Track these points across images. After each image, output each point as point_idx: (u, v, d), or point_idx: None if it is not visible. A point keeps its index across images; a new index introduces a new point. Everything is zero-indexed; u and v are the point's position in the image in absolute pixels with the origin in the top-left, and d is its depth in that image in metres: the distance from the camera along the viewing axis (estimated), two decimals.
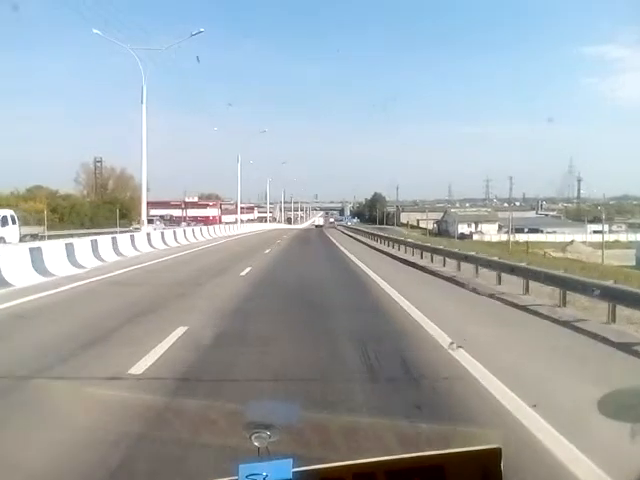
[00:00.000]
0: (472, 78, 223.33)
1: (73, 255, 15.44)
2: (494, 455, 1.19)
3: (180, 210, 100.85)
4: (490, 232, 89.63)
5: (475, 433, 3.50)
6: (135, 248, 21.55)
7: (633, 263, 44.61)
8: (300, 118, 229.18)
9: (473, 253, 13.46)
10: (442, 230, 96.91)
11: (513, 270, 10.64)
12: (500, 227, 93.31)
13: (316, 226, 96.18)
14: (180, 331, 6.85)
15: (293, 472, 1.08)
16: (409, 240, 21.79)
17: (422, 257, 18.75)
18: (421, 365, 5.47)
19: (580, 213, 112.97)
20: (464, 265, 14.44)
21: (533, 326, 7.96)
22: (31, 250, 13.19)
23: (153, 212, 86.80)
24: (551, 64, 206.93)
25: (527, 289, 10.40)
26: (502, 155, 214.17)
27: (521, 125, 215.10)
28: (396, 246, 24.68)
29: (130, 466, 3.20)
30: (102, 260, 17.34)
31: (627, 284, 9.01)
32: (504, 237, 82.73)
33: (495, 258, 12.10)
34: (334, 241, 35.03)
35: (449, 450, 1.19)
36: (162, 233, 26.82)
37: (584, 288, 8.41)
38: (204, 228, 39.65)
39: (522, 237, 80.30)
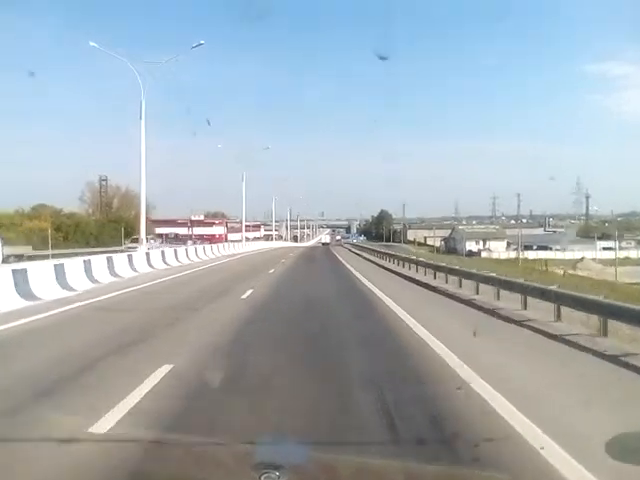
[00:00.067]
0: (477, 95, 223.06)
1: (63, 277, 14.47)
2: None
3: (186, 228, 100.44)
4: (498, 249, 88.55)
5: (485, 476, 3.35)
6: (133, 268, 20.57)
7: None
8: (305, 136, 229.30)
9: (494, 274, 12.37)
10: (450, 247, 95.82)
11: (544, 294, 9.53)
12: (508, 244, 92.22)
13: (323, 244, 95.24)
14: (163, 371, 5.81)
15: None
16: (421, 259, 20.69)
17: (435, 277, 17.66)
18: (454, 421, 4.38)
19: (588, 230, 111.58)
20: (482, 287, 13.39)
21: (579, 363, 6.84)
22: (14, 272, 12.22)
23: (159, 230, 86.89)
24: (553, 81, 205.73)
25: (559, 315, 9.29)
26: (508, 172, 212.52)
27: (526, 142, 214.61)
28: (406, 265, 23.60)
29: None
30: (96, 282, 16.36)
31: None
32: (513, 254, 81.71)
33: (520, 280, 11.00)
34: (342, 260, 33.86)
35: None
36: (162, 252, 25.84)
37: (630, 317, 7.30)
38: (207, 246, 38.74)
39: (531, 254, 79.25)
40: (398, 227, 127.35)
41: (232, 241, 63.54)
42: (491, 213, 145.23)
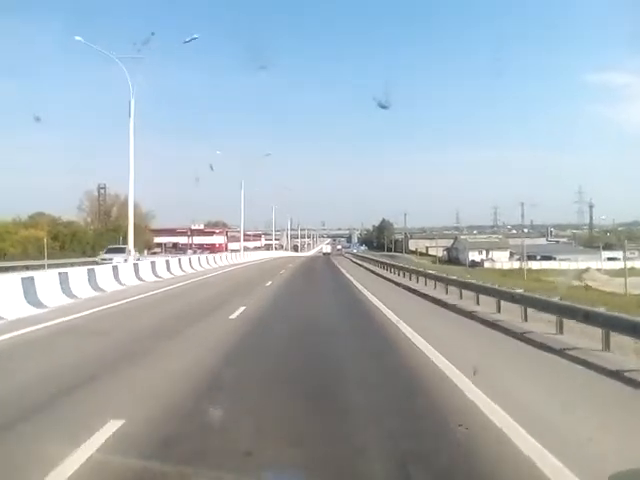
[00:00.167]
0: (477, 104, 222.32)
1: (33, 292, 12.92)
2: None
3: (186, 237, 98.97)
4: (501, 259, 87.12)
5: None
6: (118, 281, 19.00)
7: None
8: (306, 145, 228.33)
9: (520, 291, 10.80)
10: (452, 257, 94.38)
11: (587, 317, 7.95)
12: (511, 254, 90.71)
13: (324, 254, 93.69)
14: (108, 430, 4.26)
15: None
16: (431, 272, 19.08)
17: (447, 292, 16.07)
18: None
19: (592, 240, 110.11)
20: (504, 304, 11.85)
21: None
22: None
23: (158, 240, 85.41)
24: (555, 91, 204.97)
25: (608, 345, 7.72)
26: (509, 182, 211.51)
27: (527, 151, 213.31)
28: (413, 277, 21.98)
29: None
30: (73, 297, 14.81)
31: None
32: (516, 264, 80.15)
33: (556, 299, 9.42)
34: (344, 272, 31.99)
35: None
36: (153, 263, 24.25)
37: None
38: (203, 257, 37.16)
39: (535, 264, 77.68)
40: (399, 237, 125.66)
41: (232, 250, 62.10)
42: (492, 223, 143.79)
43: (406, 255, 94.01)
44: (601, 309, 7.96)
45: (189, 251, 69.39)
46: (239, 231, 77.97)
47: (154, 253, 69.65)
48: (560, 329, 9.21)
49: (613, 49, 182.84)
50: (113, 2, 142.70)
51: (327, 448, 4.08)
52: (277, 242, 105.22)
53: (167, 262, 26.56)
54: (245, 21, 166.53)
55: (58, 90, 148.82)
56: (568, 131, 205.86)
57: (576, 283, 53.05)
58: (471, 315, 12.02)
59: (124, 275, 19.82)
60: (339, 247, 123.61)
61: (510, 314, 11.30)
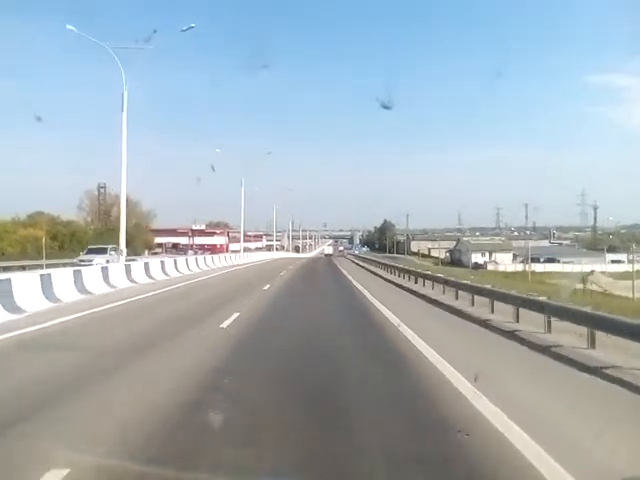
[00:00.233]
0: (478, 106, 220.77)
1: (10, 295, 11.91)
2: None
3: (187, 238, 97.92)
4: (505, 262, 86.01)
5: None
6: (108, 283, 17.96)
7: None
8: (307, 146, 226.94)
9: (544, 299, 9.73)
10: (455, 259, 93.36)
11: (633, 335, 6.89)
12: (515, 256, 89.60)
13: (325, 255, 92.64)
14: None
15: None
16: (439, 275, 17.98)
17: (457, 298, 15.01)
18: None
19: (595, 242, 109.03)
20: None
21: None
22: None
23: (159, 240, 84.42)
24: (556, 92, 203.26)
25: None
26: (511, 184, 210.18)
27: (528, 153, 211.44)
28: (419, 280, 20.89)
29: None
30: (56, 300, 13.80)
31: None
32: (519, 267, 79.07)
33: (587, 309, 8.36)
34: (346, 274, 30.86)
35: None
36: (146, 264, 23.18)
37: None
38: (200, 258, 36.08)
39: (538, 267, 76.60)
40: (401, 238, 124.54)
41: (233, 251, 61.04)
42: (494, 224, 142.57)
43: (408, 257, 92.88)
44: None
45: (190, 252, 68.33)
46: (240, 231, 77.03)
47: (155, 253, 68.68)
48: (592, 343, 8.16)
49: (614, 51, 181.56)
50: (113, 2, 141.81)
51: None
52: (278, 243, 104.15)
53: (162, 263, 25.48)
54: (246, 21, 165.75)
55: (58, 90, 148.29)
56: (570, 132, 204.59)
57: (581, 286, 52.13)
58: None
59: (115, 276, 18.78)
60: (341, 248, 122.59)
61: (527, 323, 10.27)
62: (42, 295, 13.38)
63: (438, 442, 4.30)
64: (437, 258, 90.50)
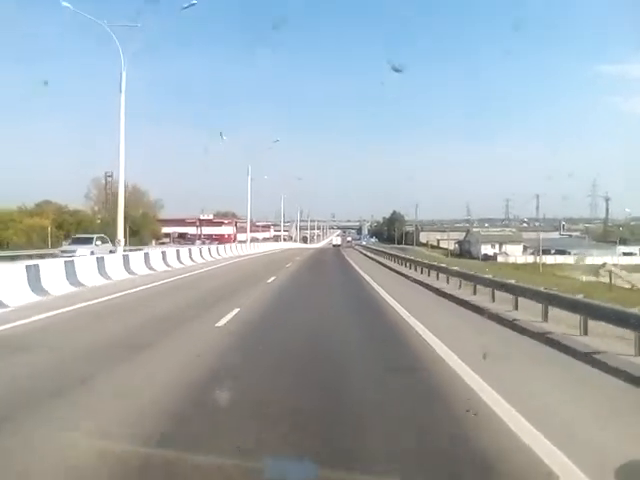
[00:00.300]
0: (489, 97, 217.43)
1: None
2: None
3: (195, 228, 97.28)
4: (515, 253, 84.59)
5: None
6: (104, 275, 17.03)
7: None
8: (316, 136, 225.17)
9: (581, 296, 8.63)
10: (464, 251, 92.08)
11: None
12: (525, 248, 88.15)
13: (333, 245, 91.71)
14: None
15: None
16: (454, 268, 16.83)
17: (475, 293, 13.94)
18: None
19: (606, 234, 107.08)
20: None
21: None
22: None
23: (167, 230, 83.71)
24: (570, 83, 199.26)
25: None
26: (520, 175, 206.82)
27: (539, 144, 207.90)
28: (432, 273, 19.79)
29: None
30: (44, 293, 12.88)
31: None
32: (530, 258, 77.70)
33: (635, 310, 7.28)
34: (355, 266, 29.54)
35: None
36: (146, 255, 22.23)
37: None
38: (205, 248, 35.09)
39: (549, 259, 75.31)
40: (410, 229, 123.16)
41: (240, 241, 60.16)
42: (503, 216, 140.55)
43: (417, 248, 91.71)
44: None
45: (197, 241, 67.58)
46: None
47: (162, 243, 67.95)
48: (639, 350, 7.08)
49: (629, 41, 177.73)
50: None
51: None
52: (286, 233, 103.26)
53: (163, 253, 24.53)
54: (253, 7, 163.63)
55: (68, 77, 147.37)
56: (583, 123, 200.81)
57: (592, 278, 50.79)
58: (507, 323, 9.89)
59: (111, 268, 17.82)
60: (349, 239, 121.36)
61: (557, 324, 9.19)
62: (28, 288, 12.46)
63: None
64: (446, 249, 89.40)
